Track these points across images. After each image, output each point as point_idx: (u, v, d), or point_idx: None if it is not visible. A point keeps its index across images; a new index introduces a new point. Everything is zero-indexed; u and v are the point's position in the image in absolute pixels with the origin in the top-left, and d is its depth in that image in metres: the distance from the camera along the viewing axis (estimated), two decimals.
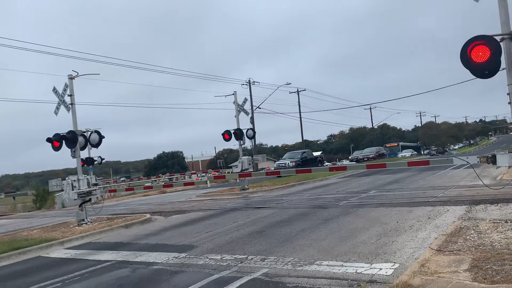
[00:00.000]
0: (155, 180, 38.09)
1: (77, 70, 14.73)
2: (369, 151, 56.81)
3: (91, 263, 8.60)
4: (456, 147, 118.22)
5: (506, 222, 7.77)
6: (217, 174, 30.62)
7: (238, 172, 22.91)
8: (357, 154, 58.96)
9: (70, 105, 14.59)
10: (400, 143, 79.07)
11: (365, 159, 50.77)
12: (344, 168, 13.05)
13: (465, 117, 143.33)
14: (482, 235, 7.07)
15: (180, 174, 47.68)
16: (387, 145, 75.34)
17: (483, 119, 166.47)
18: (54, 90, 14.74)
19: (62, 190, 15.61)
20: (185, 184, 22.59)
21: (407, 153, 72.09)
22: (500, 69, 7.41)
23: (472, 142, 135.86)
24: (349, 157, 60.20)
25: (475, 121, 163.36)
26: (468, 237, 7.01)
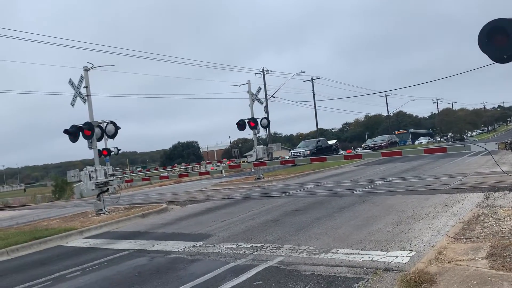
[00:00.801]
0: (171, 170, 38.44)
1: (94, 62, 14.88)
2: (381, 139, 55.63)
3: (109, 252, 8.76)
4: (474, 133, 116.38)
5: None
6: (232, 163, 30.71)
7: (253, 161, 22.95)
8: (369, 142, 57.79)
9: (86, 97, 14.75)
10: (410, 130, 76.54)
11: (376, 147, 49.83)
12: (359, 156, 12.97)
13: (483, 103, 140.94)
14: (500, 222, 6.97)
15: (196, 164, 48.04)
16: (396, 132, 72.99)
17: (502, 104, 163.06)
18: (70, 82, 14.90)
19: (80, 181, 15.85)
20: (200, 173, 22.73)
21: (423, 140, 70.77)
22: None
23: (490, 128, 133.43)
24: (362, 145, 58.97)
25: (494, 107, 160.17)
26: (486, 225, 6.93)
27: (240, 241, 8.11)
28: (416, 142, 68.57)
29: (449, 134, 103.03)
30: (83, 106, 14.84)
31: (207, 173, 19.36)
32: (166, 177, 19.75)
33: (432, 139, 73.82)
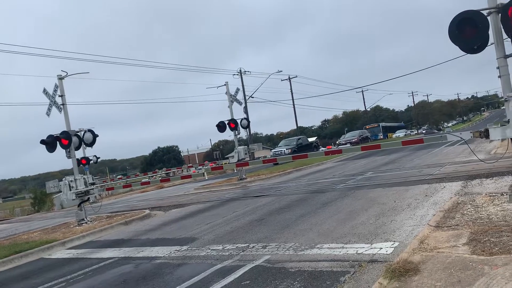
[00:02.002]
0: (152, 176, 38.06)
1: (74, 70, 14.72)
2: (352, 135, 53.85)
3: (94, 262, 8.63)
4: (450, 124, 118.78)
5: (501, 195, 7.86)
6: (214, 165, 30.62)
7: (235, 162, 22.93)
8: (341, 139, 55.84)
9: (61, 106, 14.50)
10: (381, 124, 74.51)
11: (347, 144, 48.83)
12: (339, 151, 13.09)
13: (457, 94, 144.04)
14: (479, 209, 7.15)
15: (177, 168, 47.62)
16: (367, 126, 71.23)
17: (475, 95, 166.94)
18: (45, 92, 14.62)
19: (60, 191, 15.56)
20: (183, 177, 22.61)
21: (400, 133, 71.46)
22: (489, 44, 7.44)
23: (465, 118, 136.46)
24: (336, 142, 57.01)
25: (467, 98, 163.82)
26: (465, 212, 7.09)
27: (226, 243, 8.10)
28: (394, 136, 69.04)
29: (426, 125, 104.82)
30: (60, 116, 14.60)
31: (189, 176, 19.24)
32: (148, 182, 19.58)
33: (409, 132, 74.14)
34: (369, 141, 52.48)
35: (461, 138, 8.98)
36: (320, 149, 44.76)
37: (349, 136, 53.93)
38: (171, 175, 39.64)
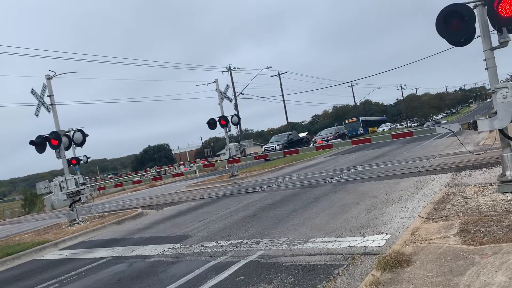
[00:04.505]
0: (144, 175, 37.91)
1: (59, 69, 14.55)
2: (327, 133, 50.26)
3: (87, 262, 8.60)
4: (439, 117, 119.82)
5: (490, 185, 7.97)
6: (206, 162, 30.58)
7: (227, 159, 22.96)
8: (316, 136, 51.95)
9: (50, 106, 14.36)
10: (360, 118, 70.52)
11: (323, 141, 48.05)
12: (330, 146, 13.14)
13: (445, 86, 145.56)
14: (468, 200, 7.25)
15: (168, 166, 47.51)
16: (346, 121, 68.14)
17: (463, 87, 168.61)
18: (33, 92, 14.47)
19: (51, 192, 15.45)
20: (174, 175, 22.50)
21: (385, 127, 70.98)
22: (476, 36, 7.53)
23: (454, 111, 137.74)
24: (312, 140, 50.63)
25: (455, 90, 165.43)
26: (455, 203, 7.19)
27: (219, 239, 8.12)
28: (378, 130, 67.87)
29: (415, 118, 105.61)
30: (49, 116, 14.46)
31: (181, 174, 19.15)
32: (139, 181, 19.48)
33: (394, 126, 72.79)
34: (346, 138, 49.30)
35: (450, 130, 9.08)
36: (311, 144, 44.80)
37: (324, 134, 50.50)
38: (162, 173, 39.54)
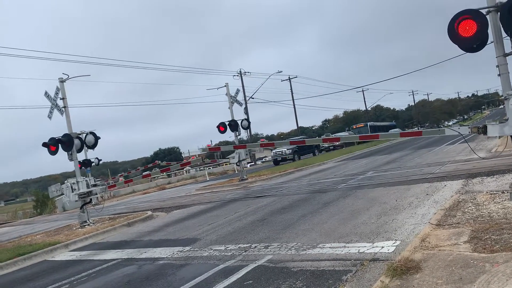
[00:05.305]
0: (153, 168, 37.94)
1: (78, 72, 14.74)
2: None
3: (97, 263, 8.67)
4: (451, 123, 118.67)
5: (502, 192, 7.88)
6: (213, 152, 30.61)
7: (236, 162, 23.09)
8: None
9: (63, 108, 14.56)
10: (368, 123, 69.00)
11: (331, 147, 47.57)
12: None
13: (458, 92, 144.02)
14: (480, 207, 7.18)
15: (180, 165, 47.64)
16: (354, 126, 66.90)
17: (476, 93, 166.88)
18: (46, 95, 14.68)
19: (62, 194, 15.62)
20: (182, 165, 22.26)
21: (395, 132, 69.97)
22: (488, 42, 7.47)
23: (466, 117, 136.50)
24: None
25: (468, 96, 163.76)
26: (466, 210, 7.12)
27: (228, 243, 8.14)
28: None
29: (427, 124, 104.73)
30: (62, 118, 14.66)
31: (189, 163, 18.78)
32: (149, 175, 19.46)
33: (402, 131, 71.52)
34: (355, 144, 48.41)
35: (459, 132, 8.97)
36: (321, 149, 44.59)
37: None
38: (172, 176, 39.64)
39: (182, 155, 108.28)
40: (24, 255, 10.59)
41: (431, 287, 4.19)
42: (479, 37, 7.13)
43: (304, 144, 10.99)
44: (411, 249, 5.45)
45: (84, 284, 7.23)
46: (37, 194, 35.33)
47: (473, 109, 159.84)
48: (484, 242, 5.25)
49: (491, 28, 7.22)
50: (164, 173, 41.53)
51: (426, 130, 12.19)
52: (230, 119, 22.91)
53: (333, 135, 53.46)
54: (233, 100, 23.75)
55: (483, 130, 7.52)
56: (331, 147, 47.59)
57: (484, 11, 7.11)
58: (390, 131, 72.47)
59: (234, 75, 47.07)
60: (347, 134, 53.15)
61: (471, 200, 7.80)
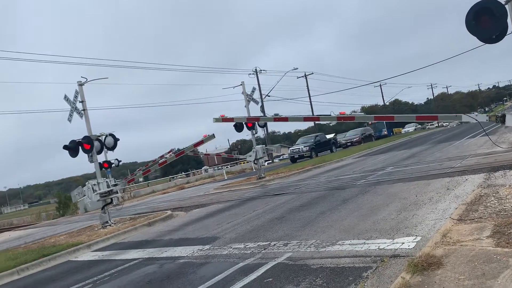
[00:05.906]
0: (168, 155, 38.08)
1: (96, 74, 15.04)
2: (354, 134, 49.85)
3: (119, 263, 8.81)
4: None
5: None
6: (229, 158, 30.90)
7: (253, 160, 23.14)
8: (340, 137, 51.22)
9: (82, 111, 14.80)
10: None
11: (349, 143, 46.85)
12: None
13: (478, 84, 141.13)
14: (502, 201, 7.04)
15: (196, 169, 48.19)
16: (370, 122, 68.29)
17: (497, 85, 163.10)
18: (66, 98, 14.95)
19: (84, 196, 15.93)
20: (195, 145, 22.27)
21: (411, 128, 69.35)
22: (508, 32, 7.31)
23: (487, 109, 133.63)
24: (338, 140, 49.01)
25: (489, 88, 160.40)
26: (488, 204, 6.99)
27: (247, 241, 8.17)
28: (403, 131, 66.42)
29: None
30: (82, 120, 14.91)
31: (201, 142, 18.22)
32: (165, 162, 19.55)
33: (419, 126, 71.01)
34: (373, 139, 49.40)
35: (476, 119, 8.80)
36: (338, 146, 44.17)
37: (351, 135, 50.21)
38: (190, 176, 39.95)
39: (200, 154, 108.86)
40: (49, 255, 10.82)
41: (453, 283, 4.14)
42: (498, 27, 6.99)
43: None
44: (432, 244, 5.38)
45: (106, 283, 7.36)
46: (60, 196, 36.10)
47: (495, 101, 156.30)
48: (508, 236, 5.14)
49: (510, 18, 7.07)
50: (183, 173, 41.94)
51: (442, 115, 11.99)
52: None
53: (352, 131, 52.75)
54: (249, 98, 23.79)
55: (502, 120, 7.37)
56: (348, 143, 47.19)
57: (502, 1, 6.96)
58: (406, 126, 71.74)
59: (250, 74, 47.17)
60: (363, 129, 52.42)
61: (493, 194, 7.66)
